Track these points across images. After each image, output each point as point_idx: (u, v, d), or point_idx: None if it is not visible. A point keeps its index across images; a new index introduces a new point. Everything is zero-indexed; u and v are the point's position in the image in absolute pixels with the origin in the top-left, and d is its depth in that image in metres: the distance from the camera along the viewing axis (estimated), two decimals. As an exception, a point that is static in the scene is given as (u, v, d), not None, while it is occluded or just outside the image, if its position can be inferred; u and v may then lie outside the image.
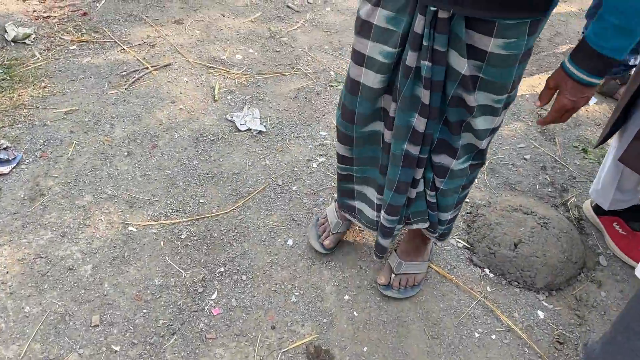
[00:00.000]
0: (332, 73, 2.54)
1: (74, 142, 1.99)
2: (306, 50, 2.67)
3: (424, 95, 1.11)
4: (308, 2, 3.06)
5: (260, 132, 2.16)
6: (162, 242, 1.70)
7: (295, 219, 1.83)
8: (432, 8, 1.00)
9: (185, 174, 1.94)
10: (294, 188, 1.95)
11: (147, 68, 2.39)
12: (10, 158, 1.85)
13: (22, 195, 1.78)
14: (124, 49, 2.49)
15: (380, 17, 1.09)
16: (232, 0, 2.97)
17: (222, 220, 1.80)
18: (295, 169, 2.02)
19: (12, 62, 2.36)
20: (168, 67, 2.42)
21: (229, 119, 2.20)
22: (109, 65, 2.38)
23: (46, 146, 1.96)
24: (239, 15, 2.86)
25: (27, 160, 1.90)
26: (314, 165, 2.05)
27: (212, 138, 2.10)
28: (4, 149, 1.87)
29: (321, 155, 2.09)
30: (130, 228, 1.73)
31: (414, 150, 1.22)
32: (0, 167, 1.83)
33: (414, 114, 1.15)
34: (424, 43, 1.04)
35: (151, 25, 2.67)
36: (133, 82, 2.30)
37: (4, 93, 2.18)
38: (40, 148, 1.95)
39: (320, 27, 2.87)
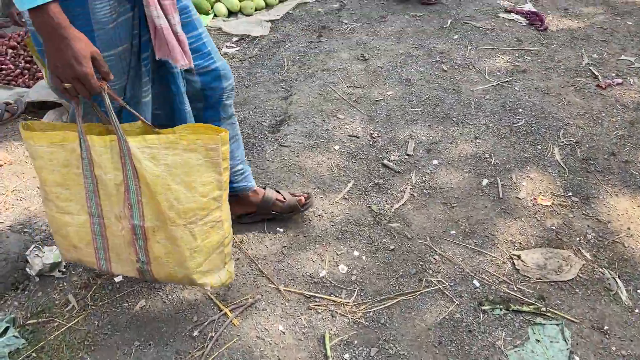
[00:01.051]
0: (475, 283, 1.80)
1: None
2: (428, 241, 1.95)
3: None
4: (407, 155, 2.37)
5: None
6: None
7: None
8: None
9: None
10: None
11: (226, 315, 1.68)
12: None
13: None
14: (188, 276, 1.80)
15: None
16: (314, 166, 2.29)
17: None
18: None
19: (39, 317, 1.69)
20: (253, 308, 1.72)
21: (358, 405, 1.47)
22: (172, 316, 1.69)
23: None
24: (327, 191, 2.17)
25: None
26: None
27: None
28: None
29: None
30: None
31: None
32: None
33: None
34: None
35: (218, 225, 2.00)
36: (210, 349, 1.59)
37: (28, 392, 1.49)
38: None
39: (434, 196, 2.16)
